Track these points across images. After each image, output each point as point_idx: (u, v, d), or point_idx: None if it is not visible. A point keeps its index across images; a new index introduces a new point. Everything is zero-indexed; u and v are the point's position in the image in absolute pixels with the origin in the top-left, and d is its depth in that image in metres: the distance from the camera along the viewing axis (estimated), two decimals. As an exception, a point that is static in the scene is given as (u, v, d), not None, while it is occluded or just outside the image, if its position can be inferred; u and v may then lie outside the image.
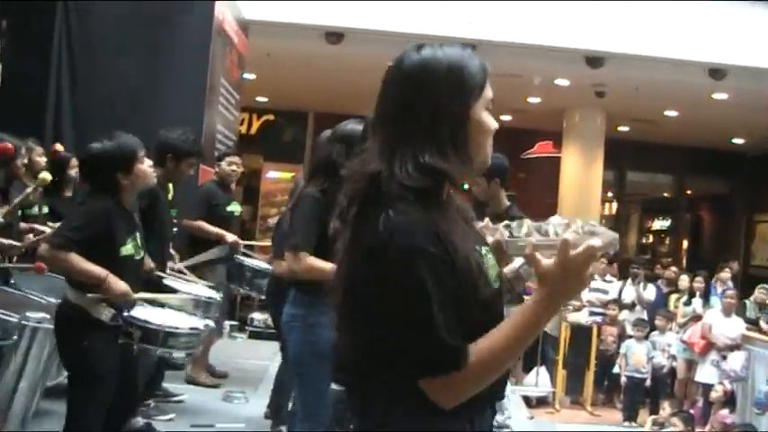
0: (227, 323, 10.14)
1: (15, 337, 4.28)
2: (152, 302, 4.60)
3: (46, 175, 5.25)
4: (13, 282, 5.33)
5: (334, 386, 3.58)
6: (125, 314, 4.21)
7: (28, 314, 4.58)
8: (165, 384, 6.94)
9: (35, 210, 6.16)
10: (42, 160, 6.69)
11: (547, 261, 1.82)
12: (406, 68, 1.93)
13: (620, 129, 16.18)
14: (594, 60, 11.14)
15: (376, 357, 1.86)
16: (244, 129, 15.68)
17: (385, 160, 1.88)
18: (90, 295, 4.08)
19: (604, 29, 10.72)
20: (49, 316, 4.67)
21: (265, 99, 16.20)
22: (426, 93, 1.89)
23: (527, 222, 2.05)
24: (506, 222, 2.14)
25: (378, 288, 1.81)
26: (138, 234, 4.34)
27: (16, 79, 7.74)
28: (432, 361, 1.78)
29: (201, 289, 5.83)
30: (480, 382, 1.83)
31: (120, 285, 4.09)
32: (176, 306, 4.90)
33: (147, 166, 4.32)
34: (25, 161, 6.01)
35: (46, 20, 7.87)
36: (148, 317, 4.37)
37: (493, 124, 1.97)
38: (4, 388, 4.39)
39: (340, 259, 1.93)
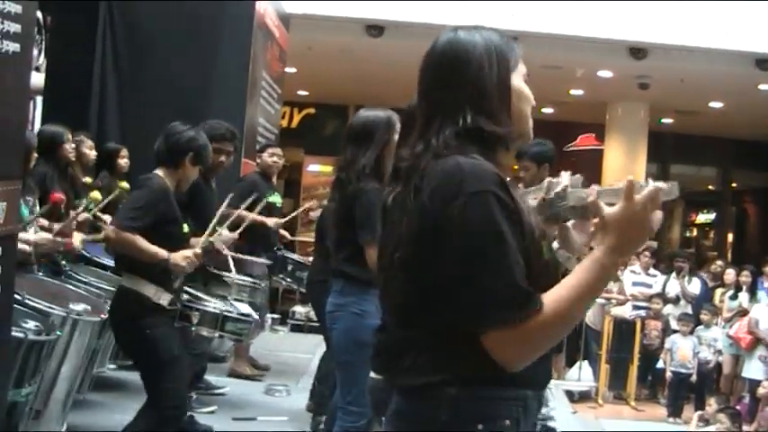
0: (269, 316, 10.16)
1: (59, 333, 4.28)
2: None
3: (96, 195, 5.36)
4: (67, 269, 5.41)
5: (372, 374, 3.55)
6: (184, 298, 4.32)
7: (71, 306, 4.60)
8: (207, 377, 6.96)
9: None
10: (92, 153, 6.77)
11: (610, 208, 1.76)
12: (442, 46, 1.95)
13: (664, 121, 16.01)
14: (638, 52, 11.03)
15: (439, 310, 1.77)
16: (285, 122, 15.71)
17: (422, 135, 1.88)
18: (148, 284, 4.19)
19: (648, 20, 10.58)
20: (89, 307, 4.71)
21: (306, 93, 16.22)
22: (469, 62, 1.90)
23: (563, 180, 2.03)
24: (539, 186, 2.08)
25: (444, 238, 1.75)
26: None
27: (61, 75, 7.81)
28: (506, 304, 1.70)
29: (244, 277, 5.87)
30: (549, 338, 1.77)
31: (182, 254, 4.20)
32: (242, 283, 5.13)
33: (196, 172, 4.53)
34: (73, 146, 6.10)
35: (90, 16, 7.91)
36: (205, 301, 4.50)
37: (531, 95, 1.96)
38: (45, 381, 4.39)
39: (391, 239, 1.88)
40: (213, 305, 4.46)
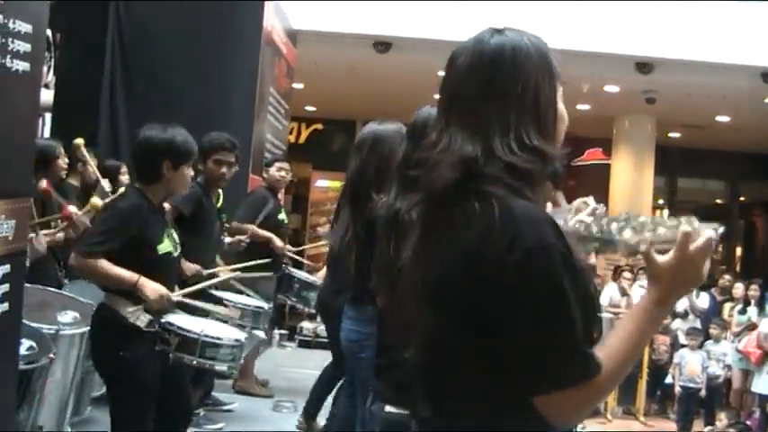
0: (277, 332, 10.17)
1: (53, 355, 4.15)
2: (194, 309, 4.35)
3: (97, 201, 5.30)
4: (66, 282, 5.38)
5: (388, 408, 3.46)
6: (162, 320, 3.99)
7: (59, 318, 4.49)
8: (214, 393, 6.96)
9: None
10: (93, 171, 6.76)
11: (663, 258, 1.68)
12: (495, 48, 1.78)
13: (671, 135, 15.99)
14: (644, 66, 11.02)
15: (475, 373, 1.67)
16: (293, 138, 15.75)
17: (480, 140, 1.70)
18: (126, 303, 3.92)
19: (654, 34, 10.59)
20: (79, 315, 4.60)
21: (314, 108, 16.26)
22: (522, 73, 1.75)
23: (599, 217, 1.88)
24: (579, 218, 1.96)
25: (498, 294, 1.61)
26: (172, 231, 4.20)
27: (70, 92, 7.85)
28: (567, 370, 1.60)
29: (250, 299, 5.81)
30: (603, 395, 1.68)
31: (153, 287, 3.91)
32: (221, 317, 4.66)
33: (189, 174, 4.23)
34: (67, 161, 6.04)
35: (98, 33, 7.96)
36: (187, 324, 4.10)
37: (566, 117, 1.86)
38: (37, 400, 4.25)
39: (409, 265, 1.76)
40: (195, 330, 4.06)
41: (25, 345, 3.93)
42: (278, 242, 7.15)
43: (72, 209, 5.02)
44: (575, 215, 1.93)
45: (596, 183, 15.43)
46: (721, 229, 1.74)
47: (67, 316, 4.55)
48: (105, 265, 3.87)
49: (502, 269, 1.60)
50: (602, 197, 14.96)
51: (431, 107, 3.38)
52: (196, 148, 4.22)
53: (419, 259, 1.74)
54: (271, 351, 8.83)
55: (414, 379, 1.82)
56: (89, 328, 4.26)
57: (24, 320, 3.91)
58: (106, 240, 3.91)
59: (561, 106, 1.83)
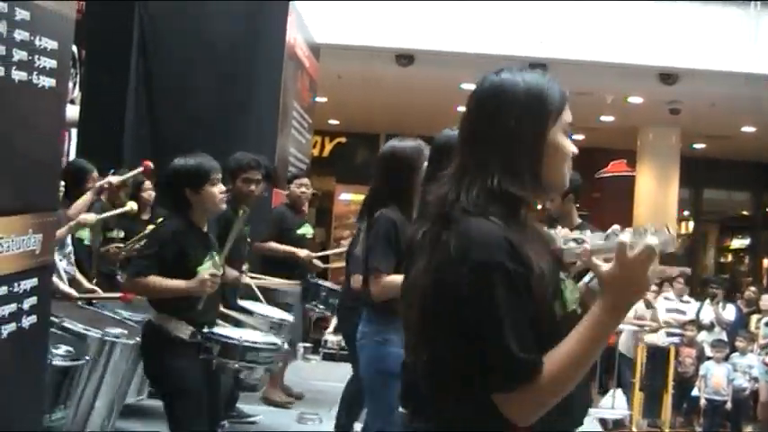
0: (301, 345, 10.18)
1: (88, 358, 4.33)
2: (226, 317, 4.72)
3: (133, 205, 5.39)
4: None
5: (401, 410, 3.55)
6: (204, 330, 4.30)
7: (108, 330, 4.69)
8: (239, 405, 6.98)
9: (114, 233, 6.27)
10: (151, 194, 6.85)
11: (605, 266, 1.80)
12: (484, 91, 1.93)
13: (696, 146, 15.92)
14: (668, 77, 11.00)
15: (449, 374, 1.85)
16: (316, 151, 15.80)
17: (454, 183, 1.89)
18: (170, 319, 4.22)
19: (678, 44, 10.57)
20: (126, 332, 4.78)
21: (337, 122, 16.32)
22: (503, 115, 1.88)
23: (588, 232, 2.02)
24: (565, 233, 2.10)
25: (452, 302, 1.80)
26: (215, 252, 4.42)
27: (96, 108, 7.91)
28: (503, 374, 1.77)
29: (274, 310, 5.85)
30: (553, 395, 1.80)
31: (200, 280, 4.18)
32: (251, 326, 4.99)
33: (218, 190, 4.36)
34: (98, 183, 6.12)
35: (123, 49, 8.03)
36: (227, 332, 4.44)
37: (571, 148, 1.94)
38: (82, 405, 4.46)
39: (413, 277, 1.92)
40: (235, 337, 4.42)
41: (62, 349, 4.07)
42: (301, 252, 7.19)
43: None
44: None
45: (620, 195, 15.38)
46: (673, 242, 1.83)
47: (116, 330, 4.76)
48: (156, 280, 4.19)
49: (451, 283, 1.80)
50: (627, 209, 14.90)
51: (450, 129, 3.46)
52: (213, 166, 4.38)
53: (415, 273, 1.92)
54: (295, 364, 8.83)
55: (411, 383, 2.00)
56: (136, 340, 4.58)
57: (74, 324, 4.22)
58: (150, 264, 4.22)
59: (557, 141, 1.92)
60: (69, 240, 5.41)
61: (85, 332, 4.46)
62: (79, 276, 5.45)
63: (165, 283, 4.18)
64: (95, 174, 6.08)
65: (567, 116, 1.94)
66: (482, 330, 1.77)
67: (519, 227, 1.88)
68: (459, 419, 1.87)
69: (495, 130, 1.88)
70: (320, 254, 8.00)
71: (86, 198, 5.61)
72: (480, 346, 1.77)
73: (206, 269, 4.25)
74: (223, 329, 4.49)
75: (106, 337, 4.61)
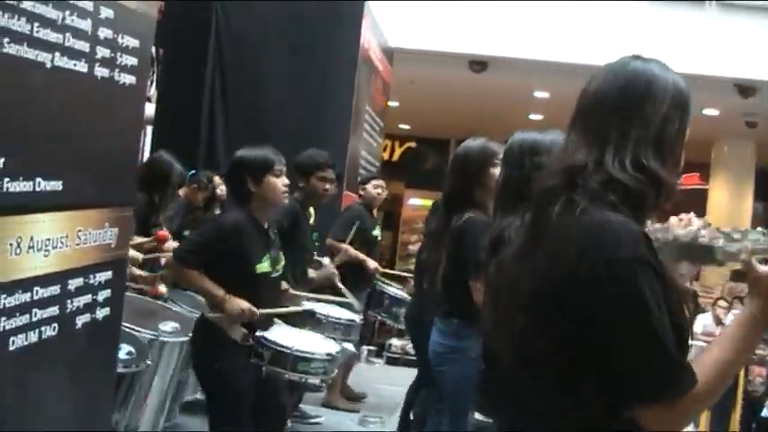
0: (365, 348, 10.19)
1: (150, 362, 4.29)
2: (285, 318, 4.52)
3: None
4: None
5: (477, 415, 3.50)
6: (257, 334, 4.15)
7: (160, 327, 4.61)
8: (302, 406, 7.01)
9: (186, 233, 6.31)
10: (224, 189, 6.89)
11: (764, 267, 1.70)
12: (633, 70, 1.81)
13: (772, 160, 15.61)
14: (745, 89, 10.79)
15: (583, 375, 1.66)
16: (386, 155, 15.84)
17: (594, 151, 1.73)
18: (221, 315, 4.09)
19: (756, 57, 10.36)
20: (179, 326, 4.72)
21: (408, 126, 16.34)
22: (653, 99, 1.77)
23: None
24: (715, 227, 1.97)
25: (595, 303, 1.62)
26: (274, 250, 4.30)
27: (172, 106, 8.05)
28: (662, 382, 1.60)
29: (342, 311, 5.83)
30: (701, 408, 1.75)
31: (238, 305, 4.03)
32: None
33: (280, 182, 4.25)
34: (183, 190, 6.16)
35: (200, 48, 8.15)
36: (281, 338, 4.23)
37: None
38: (133, 403, 4.41)
39: (511, 274, 1.78)
40: (288, 345, 4.20)
41: (124, 350, 4.07)
42: (371, 264, 7.17)
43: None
44: (668, 232, 1.91)
45: (692, 208, 15.09)
46: None
47: (168, 326, 4.67)
48: (195, 276, 4.09)
49: (579, 282, 1.62)
50: (699, 223, 14.62)
51: (522, 132, 3.41)
52: (277, 157, 4.29)
53: (515, 269, 1.77)
54: (358, 367, 8.85)
55: (506, 391, 1.84)
56: (188, 337, 4.46)
57: (126, 325, 4.07)
58: (201, 251, 4.12)
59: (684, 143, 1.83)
60: None
61: (137, 333, 4.35)
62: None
63: (205, 284, 4.08)
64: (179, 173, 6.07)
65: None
66: (636, 332, 1.60)
67: (644, 223, 1.76)
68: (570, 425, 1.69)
69: (647, 110, 1.75)
70: (390, 271, 7.90)
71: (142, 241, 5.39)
72: (633, 352, 1.61)
73: (264, 269, 4.15)
74: (278, 333, 4.29)
75: (159, 338, 4.50)
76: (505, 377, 1.83)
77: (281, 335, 4.28)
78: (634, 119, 1.74)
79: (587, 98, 1.82)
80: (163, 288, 5.04)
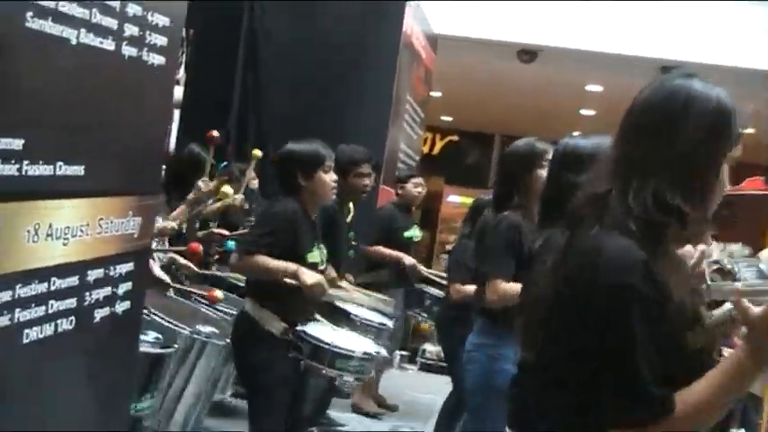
0: (398, 353, 10.18)
1: (177, 346, 4.39)
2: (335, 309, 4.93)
3: (227, 189, 5.39)
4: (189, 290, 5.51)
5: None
6: (297, 328, 4.38)
7: (199, 327, 4.76)
8: (330, 412, 7.02)
9: (212, 226, 6.32)
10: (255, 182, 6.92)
11: (756, 309, 1.73)
12: (672, 89, 1.87)
13: None
14: (817, 87, 10.63)
15: (568, 394, 1.82)
16: (426, 148, 15.79)
17: (618, 181, 1.84)
18: (264, 312, 4.38)
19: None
20: (218, 331, 4.84)
21: (450, 118, 16.27)
22: (690, 124, 1.83)
23: (740, 261, 1.96)
24: (716, 259, 2.05)
25: (581, 322, 1.78)
26: (321, 243, 4.57)
27: (201, 90, 8.07)
28: (632, 408, 1.74)
29: (374, 314, 5.83)
30: None
31: (311, 273, 4.30)
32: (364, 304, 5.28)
33: (330, 179, 4.49)
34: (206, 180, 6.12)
35: (232, 32, 8.16)
36: (320, 334, 4.46)
37: (726, 183, 1.91)
38: (168, 399, 4.54)
39: (536, 287, 1.93)
40: (327, 341, 4.44)
41: (150, 336, 4.13)
42: (408, 259, 7.18)
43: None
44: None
45: (754, 216, 14.91)
46: None
47: (207, 329, 4.82)
48: (265, 259, 4.29)
49: (581, 303, 1.77)
50: (760, 231, 14.43)
51: (575, 136, 3.42)
52: (329, 153, 4.52)
53: (541, 281, 1.94)
54: (391, 373, 8.85)
55: (521, 401, 2.10)
56: (226, 342, 4.68)
57: (164, 318, 4.36)
58: (266, 241, 4.34)
59: (724, 172, 1.89)
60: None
61: (177, 329, 4.53)
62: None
63: (276, 262, 4.27)
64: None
65: (737, 150, 1.90)
66: (612, 356, 1.74)
67: (662, 250, 1.84)
68: None
69: (678, 136, 1.82)
70: (429, 272, 7.88)
71: (181, 209, 5.45)
72: (608, 376, 1.74)
73: (315, 258, 4.41)
74: (317, 329, 4.53)
75: (195, 335, 4.67)
76: (529, 383, 2.01)
77: (321, 331, 4.51)
78: (665, 143, 1.82)
79: (630, 110, 1.91)
80: (219, 293, 5.11)
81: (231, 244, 5.54)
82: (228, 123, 8.08)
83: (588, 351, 1.77)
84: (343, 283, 5.93)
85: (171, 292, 5.15)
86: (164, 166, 5.30)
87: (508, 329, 3.85)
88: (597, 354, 1.75)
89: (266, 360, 4.38)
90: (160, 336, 4.21)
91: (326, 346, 4.40)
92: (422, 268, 7.59)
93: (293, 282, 4.28)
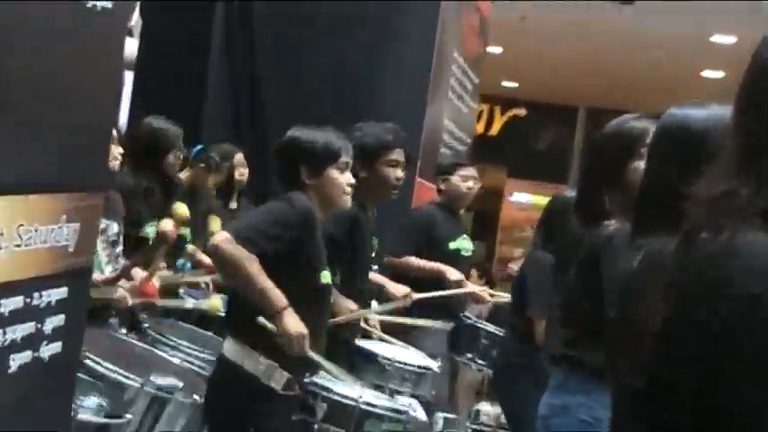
0: (442, 415, 10.14)
1: (130, 416, 4.28)
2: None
3: (182, 209, 5.46)
4: (146, 327, 5.49)
5: None
6: (306, 380, 4.32)
7: (154, 379, 4.58)
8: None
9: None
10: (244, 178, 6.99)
11: None
12: None
13: None
14: None
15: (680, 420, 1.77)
16: (481, 127, 15.82)
17: (744, 171, 1.80)
18: (254, 355, 4.23)
19: None
20: (181, 384, 4.75)
21: (515, 84, 16.31)
22: None
23: None
24: None
25: (743, 344, 1.71)
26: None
27: (162, 44, 8.05)
28: None
29: (412, 354, 5.82)
30: None
31: (297, 322, 4.14)
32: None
33: (344, 179, 4.48)
34: (179, 155, 6.20)
35: None
36: (340, 387, 4.43)
37: None
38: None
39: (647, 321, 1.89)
40: (350, 395, 4.39)
41: (90, 401, 4.07)
42: (452, 273, 7.11)
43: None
44: None
45: None
46: None
47: (166, 381, 4.68)
48: (255, 267, 4.15)
49: (709, 315, 1.73)
50: None
51: (677, 108, 3.35)
52: (345, 146, 4.53)
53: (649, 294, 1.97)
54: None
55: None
56: (195, 400, 4.48)
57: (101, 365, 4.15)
58: (268, 239, 4.25)
59: None
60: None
61: (122, 379, 4.31)
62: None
63: (265, 282, 4.14)
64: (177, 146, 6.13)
65: None
66: (756, 387, 1.68)
67: None
68: None
69: None
70: (482, 294, 7.84)
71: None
72: (747, 407, 1.68)
73: (327, 278, 4.40)
74: (334, 381, 4.47)
75: (147, 388, 4.41)
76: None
77: (339, 383, 4.47)
78: None
79: (751, 73, 1.86)
80: (217, 300, 5.20)
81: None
82: (205, 96, 8.08)
83: (721, 380, 1.71)
84: (371, 322, 5.92)
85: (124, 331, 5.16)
86: (120, 150, 5.36)
87: (599, 382, 3.84)
88: (735, 383, 1.70)
89: (262, 427, 4.27)
90: (103, 402, 4.13)
91: (352, 403, 4.36)
92: (479, 289, 7.54)
93: (267, 324, 4.16)
